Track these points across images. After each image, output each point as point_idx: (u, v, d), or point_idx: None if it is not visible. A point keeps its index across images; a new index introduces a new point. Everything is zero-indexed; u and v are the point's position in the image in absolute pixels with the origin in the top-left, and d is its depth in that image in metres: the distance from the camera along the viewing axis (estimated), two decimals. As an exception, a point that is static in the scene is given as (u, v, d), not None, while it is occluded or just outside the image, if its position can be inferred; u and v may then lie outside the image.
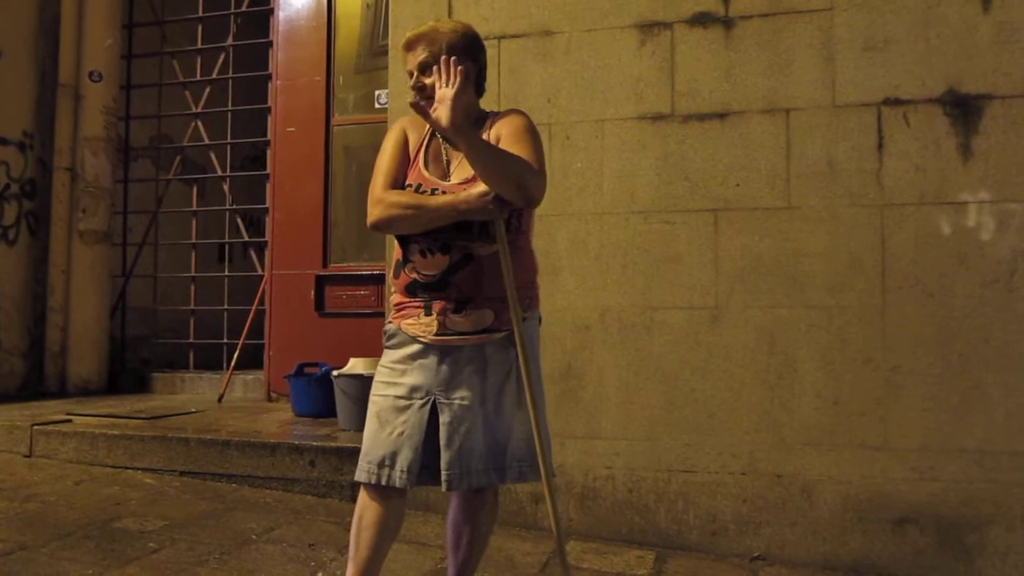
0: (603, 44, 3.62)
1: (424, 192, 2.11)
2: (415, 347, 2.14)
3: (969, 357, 3.21)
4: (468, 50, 2.20)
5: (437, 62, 2.08)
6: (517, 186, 2.02)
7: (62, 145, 6.00)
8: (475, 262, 2.11)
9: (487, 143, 2.09)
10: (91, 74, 6.05)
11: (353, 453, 3.74)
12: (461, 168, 2.15)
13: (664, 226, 3.51)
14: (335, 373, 4.47)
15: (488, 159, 2.02)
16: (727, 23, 3.50)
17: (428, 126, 2.21)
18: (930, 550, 3.20)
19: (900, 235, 3.29)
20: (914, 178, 3.29)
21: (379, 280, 5.14)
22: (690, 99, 3.52)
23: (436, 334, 2.12)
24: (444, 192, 2.10)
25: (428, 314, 2.13)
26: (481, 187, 2.05)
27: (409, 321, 2.16)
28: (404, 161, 2.20)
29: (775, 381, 3.37)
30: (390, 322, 2.22)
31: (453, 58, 2.05)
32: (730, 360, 3.41)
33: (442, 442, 2.10)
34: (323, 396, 4.73)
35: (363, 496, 2.15)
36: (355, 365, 4.43)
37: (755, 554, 3.35)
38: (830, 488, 3.29)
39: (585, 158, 3.61)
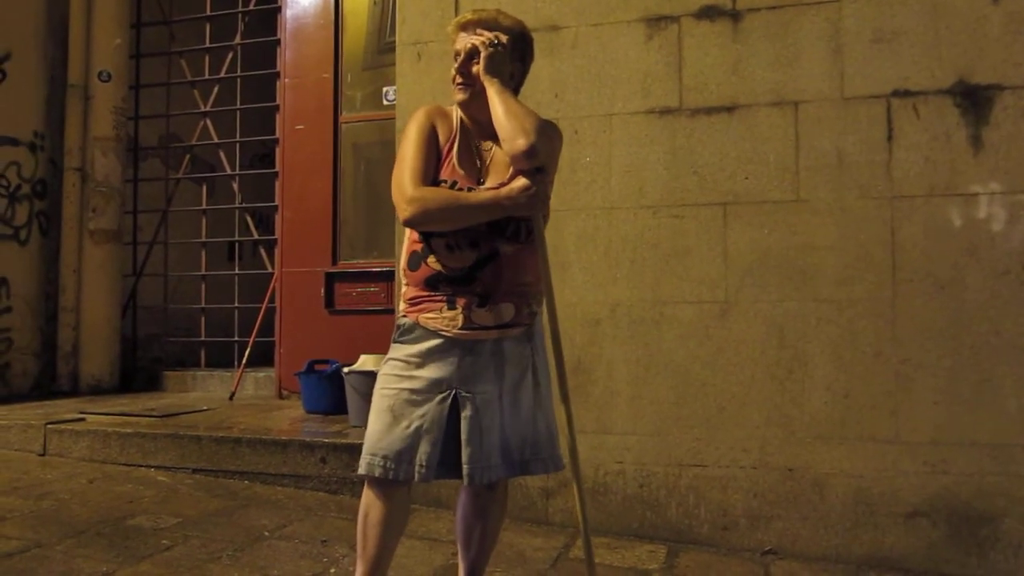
0: (610, 38, 3.61)
1: (460, 191, 2.09)
2: (435, 341, 2.11)
3: (980, 350, 3.20)
4: (521, 48, 2.24)
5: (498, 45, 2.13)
6: (524, 131, 2.02)
7: (72, 145, 6.03)
8: (499, 257, 2.11)
9: (514, 95, 2.13)
10: (100, 74, 6.08)
11: (364, 450, 3.76)
12: (494, 169, 2.15)
13: (673, 220, 3.50)
14: (346, 370, 4.48)
15: (509, 102, 2.07)
16: (734, 16, 3.49)
17: (456, 121, 2.21)
18: (942, 543, 3.19)
19: (910, 227, 3.28)
20: (924, 170, 3.28)
21: (388, 277, 5.14)
22: (698, 93, 3.51)
23: (461, 328, 2.09)
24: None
25: (452, 308, 2.09)
26: (522, 181, 2.05)
27: (430, 315, 2.11)
28: (433, 153, 2.14)
29: (785, 375, 3.36)
30: (404, 316, 2.17)
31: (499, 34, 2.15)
32: (740, 354, 3.41)
33: (464, 436, 2.08)
34: (334, 393, 4.74)
35: (368, 493, 2.13)
36: (365, 362, 4.44)
37: (766, 548, 3.34)
38: (841, 482, 3.29)
39: (593, 153, 3.60)
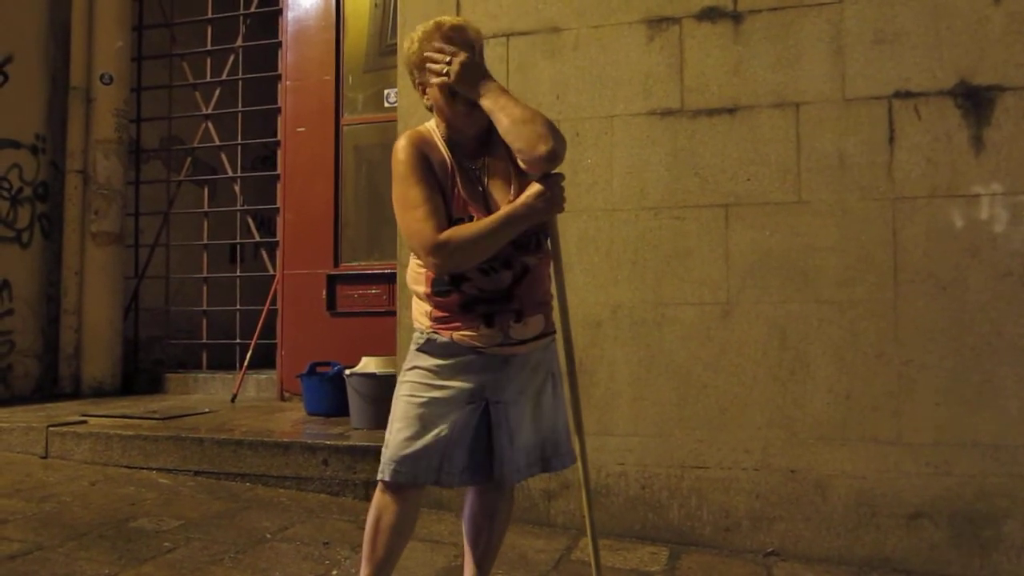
0: (611, 40, 3.62)
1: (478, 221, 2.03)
2: (469, 356, 2.09)
3: (982, 351, 3.19)
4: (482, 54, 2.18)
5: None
6: (541, 137, 1.95)
7: (74, 148, 6.04)
8: (531, 272, 2.11)
9: (509, 95, 2.03)
10: (102, 77, 6.09)
11: (366, 452, 3.76)
12: (493, 186, 2.10)
13: (674, 222, 3.50)
14: (347, 372, 4.48)
15: (512, 109, 1.98)
16: (736, 17, 3.49)
17: (443, 145, 2.10)
18: (945, 545, 3.18)
19: (912, 228, 3.27)
20: (925, 171, 3.27)
21: (390, 279, 5.14)
22: (699, 94, 3.51)
23: (501, 344, 2.08)
24: None
25: (490, 325, 2.06)
26: (535, 188, 2.00)
27: (465, 333, 2.08)
28: (436, 187, 2.04)
29: (787, 376, 3.36)
30: (434, 332, 2.11)
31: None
32: (742, 355, 3.41)
33: (496, 445, 2.11)
34: (335, 395, 4.74)
35: (383, 497, 2.12)
36: (367, 364, 4.44)
37: (769, 549, 3.34)
38: (843, 483, 3.28)
39: (595, 154, 3.60)
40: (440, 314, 2.11)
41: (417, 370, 2.13)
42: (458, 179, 2.08)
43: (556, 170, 2.04)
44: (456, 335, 2.09)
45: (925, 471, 3.21)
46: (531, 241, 2.09)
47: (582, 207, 3.59)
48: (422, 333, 2.15)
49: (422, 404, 2.09)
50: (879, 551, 3.24)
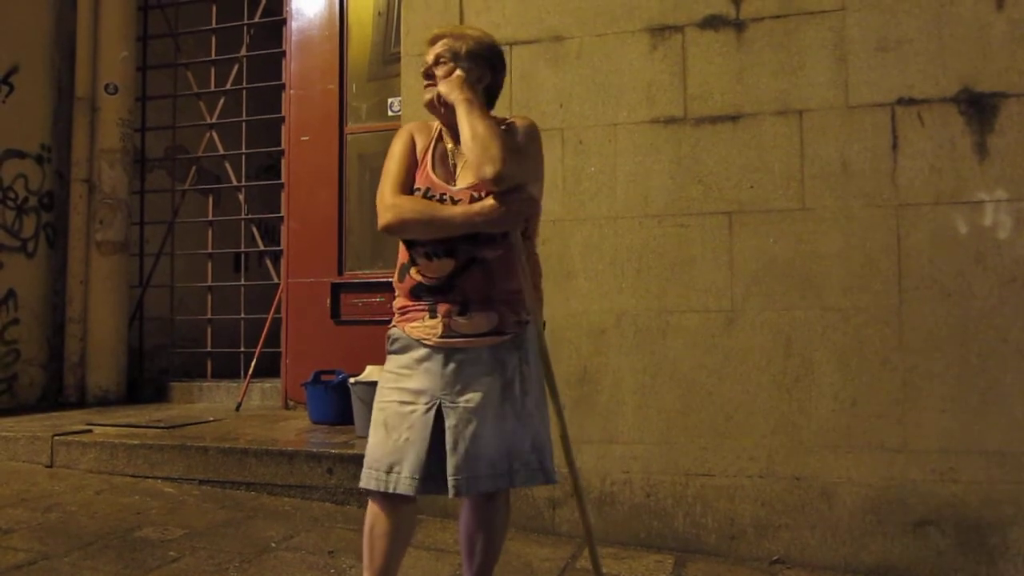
0: (614, 49, 3.63)
1: (433, 197, 2.12)
2: (420, 351, 2.13)
3: (988, 357, 3.19)
4: (488, 59, 2.25)
5: (454, 58, 2.19)
6: (490, 159, 1.99)
7: (79, 157, 6.05)
8: (482, 265, 2.11)
9: (483, 111, 2.11)
10: (107, 87, 6.11)
11: (370, 460, 3.76)
12: (466, 171, 2.15)
13: (678, 229, 3.51)
14: (352, 380, 4.48)
15: (475, 125, 2.05)
16: (738, 25, 3.49)
17: (436, 130, 2.26)
18: (951, 552, 3.17)
19: (916, 235, 3.27)
20: (929, 178, 3.28)
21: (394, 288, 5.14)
22: (702, 102, 3.52)
23: (441, 337, 2.11)
24: (451, 197, 2.11)
25: (433, 317, 2.12)
26: (492, 200, 2.05)
27: (413, 325, 2.15)
28: (412, 165, 2.20)
29: (792, 383, 3.36)
30: (393, 326, 2.22)
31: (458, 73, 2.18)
32: (746, 363, 3.40)
33: (448, 446, 2.07)
34: (340, 403, 4.74)
35: (373, 505, 2.14)
36: (372, 372, 4.44)
37: (774, 557, 3.33)
38: (849, 490, 3.28)
39: (598, 162, 3.61)
40: (400, 304, 2.22)
41: (385, 374, 2.21)
42: (430, 154, 2.21)
43: (545, 176, 2.17)
44: (407, 327, 2.17)
45: (931, 478, 3.20)
46: (478, 233, 2.10)
47: (586, 215, 3.59)
48: (387, 332, 2.24)
49: (386, 408, 2.15)
50: (885, 559, 3.23)
